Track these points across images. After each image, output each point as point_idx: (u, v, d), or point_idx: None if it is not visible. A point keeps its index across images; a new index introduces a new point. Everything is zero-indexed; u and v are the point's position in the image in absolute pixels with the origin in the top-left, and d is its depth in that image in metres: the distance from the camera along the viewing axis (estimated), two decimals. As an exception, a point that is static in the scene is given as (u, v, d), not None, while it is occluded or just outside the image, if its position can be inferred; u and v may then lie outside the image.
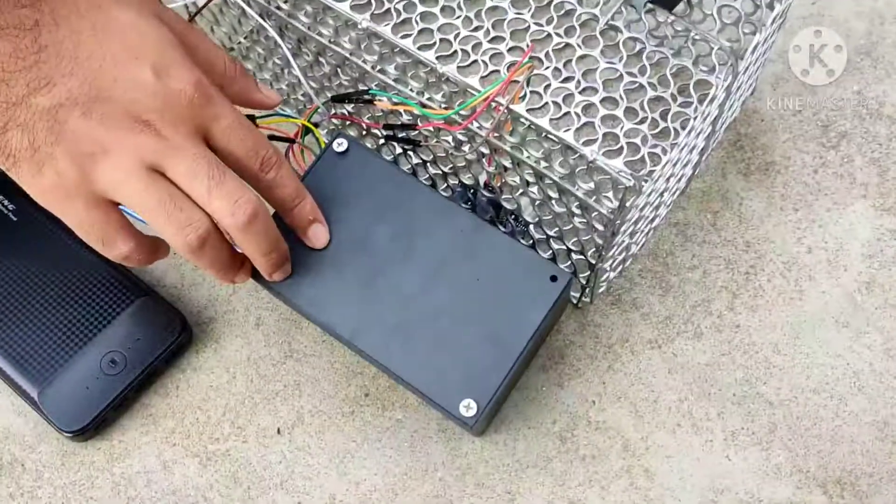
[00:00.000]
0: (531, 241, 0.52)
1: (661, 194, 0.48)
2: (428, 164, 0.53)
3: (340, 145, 0.48)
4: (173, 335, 0.52)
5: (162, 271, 0.56)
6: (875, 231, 0.55)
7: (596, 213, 0.44)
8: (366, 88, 0.49)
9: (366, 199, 0.47)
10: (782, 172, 0.57)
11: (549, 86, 0.49)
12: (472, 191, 0.52)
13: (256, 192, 0.43)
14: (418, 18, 0.51)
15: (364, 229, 0.47)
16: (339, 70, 0.50)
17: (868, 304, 0.53)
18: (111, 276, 0.53)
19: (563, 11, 0.51)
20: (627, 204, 0.42)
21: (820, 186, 0.57)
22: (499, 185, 0.50)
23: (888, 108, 0.59)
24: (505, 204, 0.51)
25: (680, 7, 0.46)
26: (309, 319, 0.47)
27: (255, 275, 0.46)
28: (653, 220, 0.52)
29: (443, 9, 0.51)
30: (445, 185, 0.53)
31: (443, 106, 0.46)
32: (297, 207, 0.45)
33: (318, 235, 0.46)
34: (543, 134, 0.42)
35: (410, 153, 0.53)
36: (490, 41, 0.51)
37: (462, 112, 0.45)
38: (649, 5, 0.45)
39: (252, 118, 0.48)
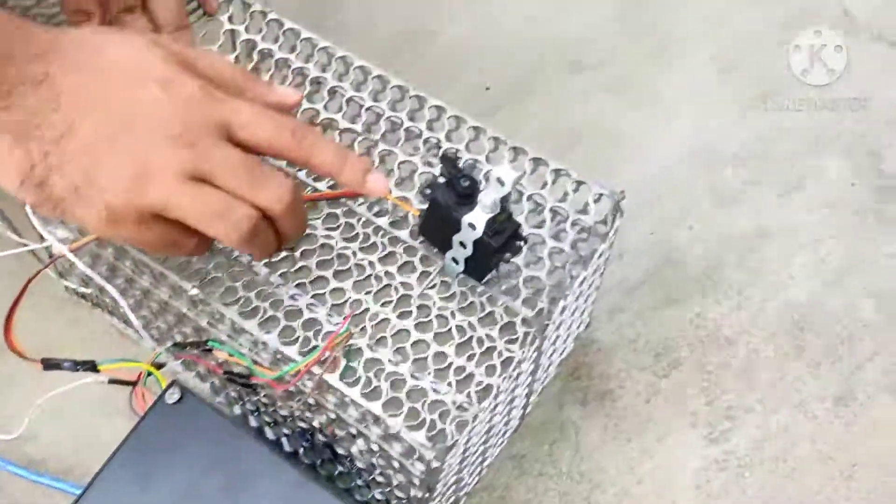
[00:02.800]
0: (366, 482, 0.53)
1: (478, 448, 0.50)
2: (268, 406, 0.55)
3: (173, 395, 0.50)
4: None
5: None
6: (702, 461, 0.58)
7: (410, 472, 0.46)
8: (205, 340, 0.51)
9: (196, 450, 0.49)
10: (617, 401, 0.60)
11: (361, 357, 0.50)
12: (309, 432, 0.54)
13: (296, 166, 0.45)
14: (242, 287, 0.53)
15: (193, 481, 0.48)
16: (179, 321, 0.52)
17: (694, 537, 0.56)
18: None
19: (381, 285, 0.53)
20: (433, 469, 0.44)
21: (651, 416, 0.59)
22: (330, 432, 0.52)
23: (726, 329, 0.62)
24: (339, 449, 0.52)
25: (491, 275, 0.49)
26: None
27: None
28: (483, 460, 0.54)
29: (268, 277, 0.54)
30: (285, 425, 0.55)
31: (270, 364, 0.49)
32: (346, 165, 0.46)
33: (377, 184, 0.47)
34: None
35: (252, 394, 0.55)
36: (309, 309, 0.53)
37: (290, 373, 0.47)
38: (462, 276, 0.48)
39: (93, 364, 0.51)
